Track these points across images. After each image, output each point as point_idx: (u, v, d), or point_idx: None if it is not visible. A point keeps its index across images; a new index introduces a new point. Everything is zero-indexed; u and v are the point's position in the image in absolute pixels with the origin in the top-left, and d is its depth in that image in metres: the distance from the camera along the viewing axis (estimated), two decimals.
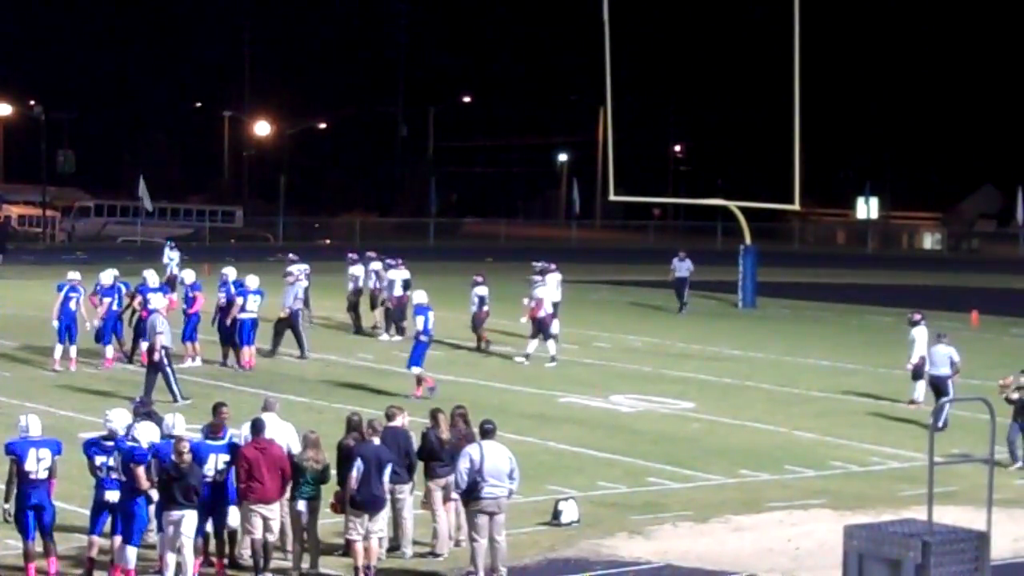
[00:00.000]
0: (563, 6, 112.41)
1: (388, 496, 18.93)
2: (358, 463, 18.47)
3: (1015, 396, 25.49)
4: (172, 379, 29.76)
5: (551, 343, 36.43)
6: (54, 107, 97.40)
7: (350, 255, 42.93)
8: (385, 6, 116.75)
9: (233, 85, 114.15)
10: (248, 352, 34.30)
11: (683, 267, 49.43)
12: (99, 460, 17.97)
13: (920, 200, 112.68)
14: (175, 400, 28.89)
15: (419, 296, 32.81)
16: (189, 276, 35.20)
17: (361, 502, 18.47)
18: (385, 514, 18.92)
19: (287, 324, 36.37)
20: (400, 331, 39.69)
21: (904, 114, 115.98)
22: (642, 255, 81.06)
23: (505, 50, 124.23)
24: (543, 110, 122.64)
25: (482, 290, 38.31)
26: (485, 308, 38.27)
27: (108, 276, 34.38)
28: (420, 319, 31.76)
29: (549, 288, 37.48)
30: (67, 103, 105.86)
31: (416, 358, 31.32)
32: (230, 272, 35.32)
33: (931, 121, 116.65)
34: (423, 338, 31.49)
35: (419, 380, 31.26)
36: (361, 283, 41.48)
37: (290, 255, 46.05)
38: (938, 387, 29.58)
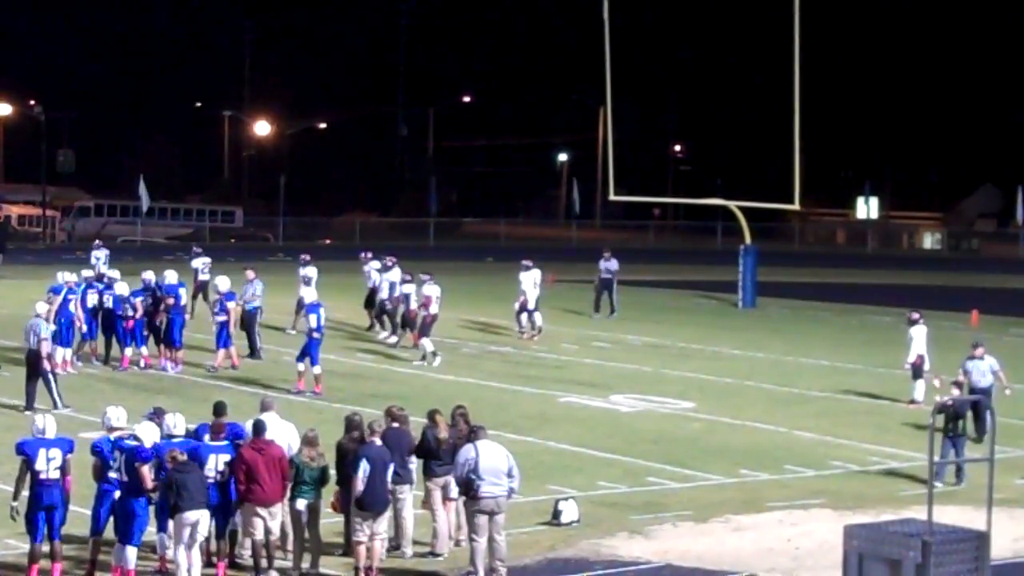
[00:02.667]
0: (563, 6, 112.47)
1: (390, 497, 18.97)
2: (364, 465, 18.49)
3: (948, 401, 24.37)
4: (53, 385, 28.90)
5: (426, 341, 36.16)
6: (54, 107, 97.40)
7: (303, 256, 42.35)
8: (385, 6, 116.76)
9: (233, 85, 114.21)
10: (229, 353, 34.06)
11: (608, 267, 47.02)
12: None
13: (920, 200, 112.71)
14: (55, 407, 28.06)
15: (310, 294, 32.82)
16: (224, 284, 34.87)
17: (368, 504, 18.50)
18: (387, 515, 18.95)
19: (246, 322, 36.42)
20: (394, 329, 39.73)
21: (904, 114, 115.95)
22: (642, 255, 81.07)
23: (505, 50, 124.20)
24: (543, 110, 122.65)
25: (408, 288, 38.37)
26: (412, 307, 38.33)
27: (59, 277, 34.24)
28: (312, 317, 31.90)
29: (435, 287, 37.06)
30: (67, 103, 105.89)
31: (315, 356, 31.46)
32: (150, 275, 34.82)
33: (931, 121, 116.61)
34: (316, 335, 31.61)
35: (316, 377, 31.38)
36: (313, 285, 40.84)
37: (194, 247, 45.97)
38: (978, 402, 26.62)
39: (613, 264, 46.88)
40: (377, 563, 18.61)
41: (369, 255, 43.06)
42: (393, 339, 39.25)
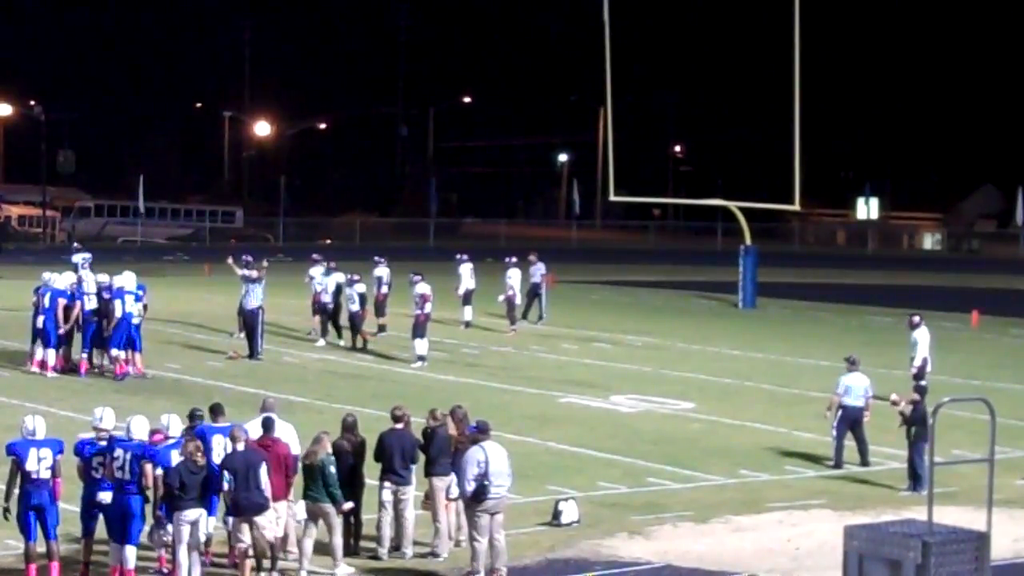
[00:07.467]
0: (563, 6, 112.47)
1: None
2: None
3: (908, 410, 24.22)
4: None
5: (421, 342, 35.96)
6: (54, 107, 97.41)
7: (245, 258, 41.41)
8: (385, 6, 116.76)
9: (233, 85, 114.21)
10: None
11: (536, 271, 44.96)
12: (96, 460, 17.99)
13: (920, 200, 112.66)
14: None
15: (122, 280, 32.85)
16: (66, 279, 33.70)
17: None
18: None
19: (248, 323, 36.29)
20: (324, 331, 39.12)
21: (904, 114, 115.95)
22: (642, 255, 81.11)
23: (505, 50, 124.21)
24: (543, 110, 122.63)
25: (360, 287, 38.32)
26: (366, 307, 38.51)
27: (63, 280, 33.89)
28: (118, 303, 32.18)
29: (426, 286, 36.89)
30: (67, 103, 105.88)
31: (117, 341, 32.20)
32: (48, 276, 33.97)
33: (931, 121, 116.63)
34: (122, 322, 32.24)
35: (122, 361, 32.03)
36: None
37: (75, 244, 45.74)
38: (856, 419, 25.96)
39: (540, 268, 45.12)
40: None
41: (317, 256, 42.15)
42: (321, 342, 38.81)
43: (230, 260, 40.08)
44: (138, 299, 33.11)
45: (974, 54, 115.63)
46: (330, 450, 18.81)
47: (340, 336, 38.89)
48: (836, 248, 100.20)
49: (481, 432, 18.85)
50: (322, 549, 18.83)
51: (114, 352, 32.64)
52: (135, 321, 32.86)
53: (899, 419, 24.66)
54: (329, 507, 18.55)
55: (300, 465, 18.88)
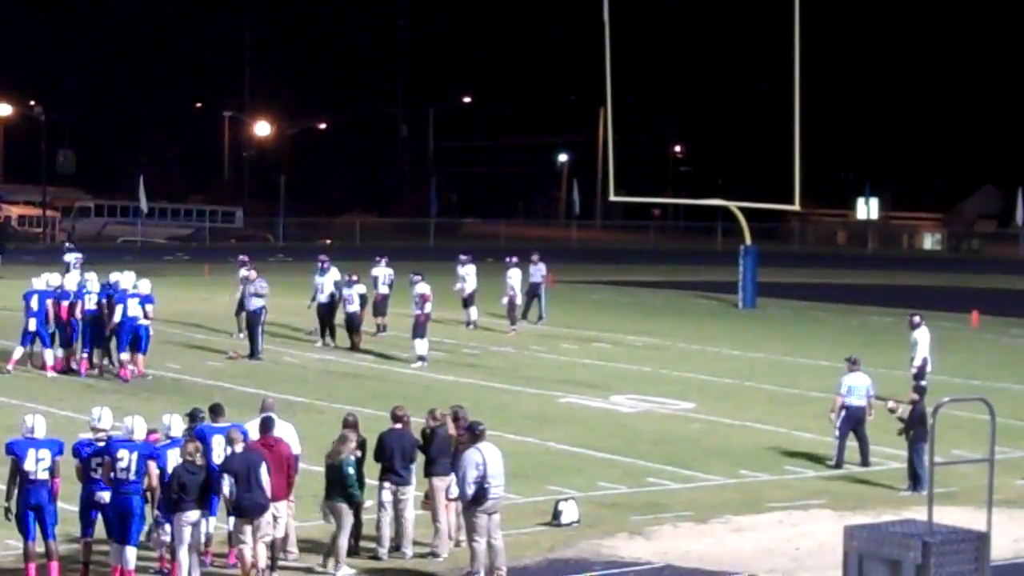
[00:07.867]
0: (564, 6, 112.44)
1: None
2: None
3: (906, 414, 24.21)
4: None
5: (421, 342, 35.91)
6: (54, 107, 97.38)
7: (241, 258, 40.45)
8: (385, 6, 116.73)
9: (233, 85, 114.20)
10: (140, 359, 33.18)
11: (537, 272, 44.94)
12: (95, 461, 17.99)
13: (920, 200, 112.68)
14: None
15: (126, 282, 32.82)
16: (39, 282, 33.60)
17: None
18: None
19: (250, 322, 36.34)
20: (323, 333, 39.05)
21: (904, 115, 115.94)
22: (642, 255, 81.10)
23: (505, 50, 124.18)
24: (543, 110, 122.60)
25: (359, 288, 38.31)
26: (364, 308, 38.59)
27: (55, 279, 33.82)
28: (119, 307, 32.22)
29: (426, 286, 36.79)
30: (67, 103, 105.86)
31: (123, 344, 32.41)
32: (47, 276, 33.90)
33: (931, 121, 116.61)
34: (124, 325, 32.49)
35: (124, 364, 32.30)
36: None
37: (66, 244, 45.70)
38: (859, 419, 25.96)
39: (541, 269, 45.11)
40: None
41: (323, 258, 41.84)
42: (319, 343, 38.76)
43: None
44: (147, 301, 33.02)
45: (974, 54, 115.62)
46: (355, 449, 18.85)
47: (333, 336, 38.77)
48: (836, 248, 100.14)
49: (473, 435, 18.86)
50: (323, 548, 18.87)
51: (120, 356, 32.65)
52: (142, 323, 32.80)
53: (899, 425, 24.63)
54: (344, 507, 18.57)
55: (324, 465, 18.90)
